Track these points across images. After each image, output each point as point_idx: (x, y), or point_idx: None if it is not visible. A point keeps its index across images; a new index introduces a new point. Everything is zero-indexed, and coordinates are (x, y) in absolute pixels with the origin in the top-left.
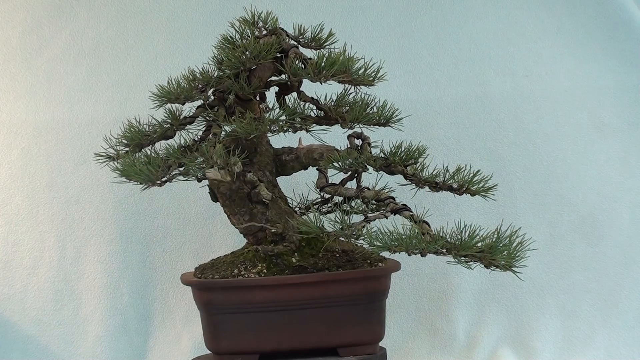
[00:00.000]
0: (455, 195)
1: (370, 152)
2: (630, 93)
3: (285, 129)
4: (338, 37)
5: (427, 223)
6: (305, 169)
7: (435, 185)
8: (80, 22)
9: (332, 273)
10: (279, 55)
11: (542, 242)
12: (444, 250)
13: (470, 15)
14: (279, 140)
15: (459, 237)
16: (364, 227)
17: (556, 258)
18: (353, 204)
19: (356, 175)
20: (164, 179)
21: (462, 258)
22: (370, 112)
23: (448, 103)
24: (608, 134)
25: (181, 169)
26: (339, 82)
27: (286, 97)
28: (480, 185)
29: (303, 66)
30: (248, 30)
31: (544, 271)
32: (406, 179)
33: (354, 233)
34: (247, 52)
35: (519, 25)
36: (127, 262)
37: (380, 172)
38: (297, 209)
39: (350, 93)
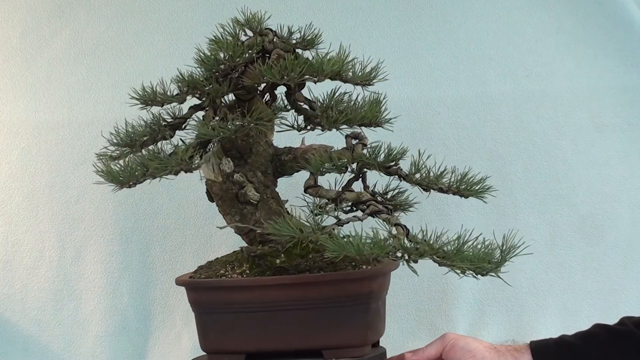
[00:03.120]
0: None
1: (363, 153)
2: (630, 93)
3: (266, 129)
4: (338, 37)
5: (401, 226)
6: (305, 169)
7: (426, 186)
8: (80, 22)
9: (307, 275)
10: (267, 55)
11: (542, 242)
12: (399, 255)
13: (470, 15)
14: (282, 141)
15: (425, 241)
16: (333, 229)
17: (556, 258)
18: (335, 205)
19: (361, 175)
20: (132, 182)
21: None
22: (352, 114)
23: (448, 103)
24: (608, 134)
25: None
26: (332, 80)
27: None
28: (473, 186)
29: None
30: (235, 32)
31: (544, 271)
32: (401, 180)
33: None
34: (221, 54)
35: (519, 25)
36: (127, 262)
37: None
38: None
39: (346, 93)
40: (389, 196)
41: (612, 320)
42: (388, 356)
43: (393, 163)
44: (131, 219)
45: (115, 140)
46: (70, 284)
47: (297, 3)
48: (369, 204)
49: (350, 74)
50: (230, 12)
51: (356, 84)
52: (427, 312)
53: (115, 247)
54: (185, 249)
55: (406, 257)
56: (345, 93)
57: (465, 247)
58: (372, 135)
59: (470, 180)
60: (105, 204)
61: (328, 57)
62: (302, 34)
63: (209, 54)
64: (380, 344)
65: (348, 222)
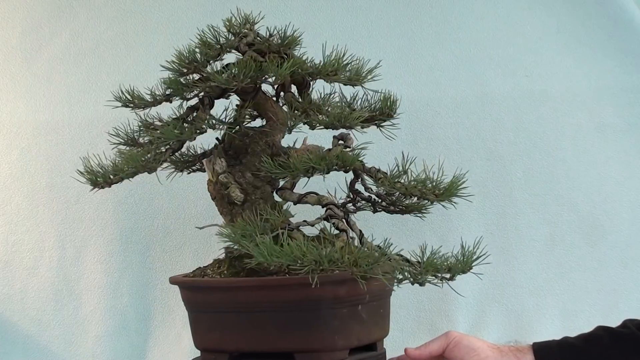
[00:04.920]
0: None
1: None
2: (630, 93)
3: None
4: (338, 37)
5: (347, 232)
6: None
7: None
8: (80, 22)
9: (262, 278)
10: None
11: (542, 242)
12: (298, 266)
13: (470, 15)
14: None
15: (380, 248)
16: (282, 234)
17: (556, 258)
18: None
19: (359, 177)
20: (104, 183)
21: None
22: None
23: (448, 103)
24: (608, 134)
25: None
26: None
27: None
28: (448, 190)
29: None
30: (217, 34)
31: (544, 271)
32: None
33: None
34: (187, 57)
35: (519, 25)
36: (127, 262)
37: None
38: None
39: (332, 93)
40: (394, 198)
41: (612, 320)
42: (388, 356)
43: (345, 168)
44: (131, 219)
45: (116, 140)
46: (70, 284)
47: (297, 3)
48: (327, 208)
49: (340, 74)
50: (230, 12)
51: (345, 84)
52: (427, 312)
53: (115, 247)
54: (185, 249)
55: (318, 268)
56: (331, 94)
57: (385, 257)
58: (370, 135)
59: (454, 183)
60: (105, 204)
61: (290, 59)
62: (281, 35)
63: (178, 58)
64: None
65: (298, 227)
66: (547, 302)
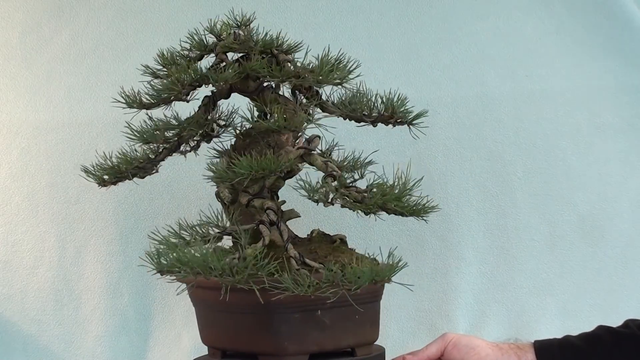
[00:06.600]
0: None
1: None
2: (630, 93)
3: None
4: (338, 37)
5: (263, 238)
6: None
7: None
8: (80, 22)
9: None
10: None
11: (542, 242)
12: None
13: (470, 15)
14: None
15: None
16: (208, 241)
17: (556, 258)
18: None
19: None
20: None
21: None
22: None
23: (448, 103)
24: (608, 134)
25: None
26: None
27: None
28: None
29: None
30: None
31: (544, 271)
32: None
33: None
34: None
35: (519, 25)
36: (127, 262)
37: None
38: None
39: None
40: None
41: (612, 320)
42: (387, 358)
43: (278, 172)
44: (131, 219)
45: (133, 137)
46: (70, 284)
47: (297, 3)
48: (265, 213)
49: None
50: (228, 13)
51: (313, 85)
52: (427, 312)
53: (115, 247)
54: None
55: (196, 275)
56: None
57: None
58: (371, 136)
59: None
60: (105, 204)
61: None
62: (256, 38)
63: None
64: (381, 344)
65: (230, 234)
66: (547, 302)
